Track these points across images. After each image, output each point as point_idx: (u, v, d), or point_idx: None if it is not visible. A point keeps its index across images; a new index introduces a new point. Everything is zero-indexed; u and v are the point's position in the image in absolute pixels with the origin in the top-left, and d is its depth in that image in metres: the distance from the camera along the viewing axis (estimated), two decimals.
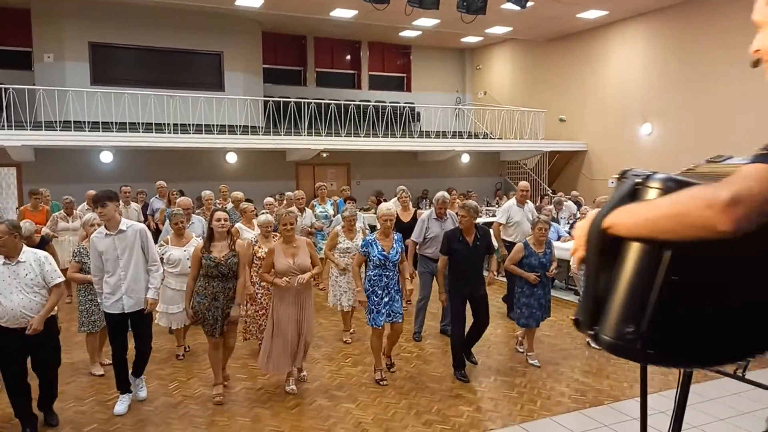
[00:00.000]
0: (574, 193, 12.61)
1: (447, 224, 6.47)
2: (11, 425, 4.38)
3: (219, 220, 4.75)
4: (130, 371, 4.77)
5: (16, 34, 14.01)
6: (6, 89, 11.56)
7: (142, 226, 4.75)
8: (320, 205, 8.70)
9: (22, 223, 5.23)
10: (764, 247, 1.08)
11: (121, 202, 6.26)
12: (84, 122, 12.13)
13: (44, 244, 6.01)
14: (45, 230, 7.39)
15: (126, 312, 4.53)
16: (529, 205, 7.60)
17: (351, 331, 6.62)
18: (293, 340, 4.87)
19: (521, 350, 6.01)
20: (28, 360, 4.25)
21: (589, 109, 15.48)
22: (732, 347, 1.18)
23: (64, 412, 4.60)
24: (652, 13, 13.70)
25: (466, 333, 5.52)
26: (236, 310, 4.78)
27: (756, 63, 1.18)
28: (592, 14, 14.02)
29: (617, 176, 1.28)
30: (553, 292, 8.42)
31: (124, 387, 4.71)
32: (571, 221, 10.05)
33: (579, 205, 11.18)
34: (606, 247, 1.19)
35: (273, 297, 5.03)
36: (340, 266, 6.27)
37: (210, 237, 4.79)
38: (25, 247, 4.17)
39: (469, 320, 5.52)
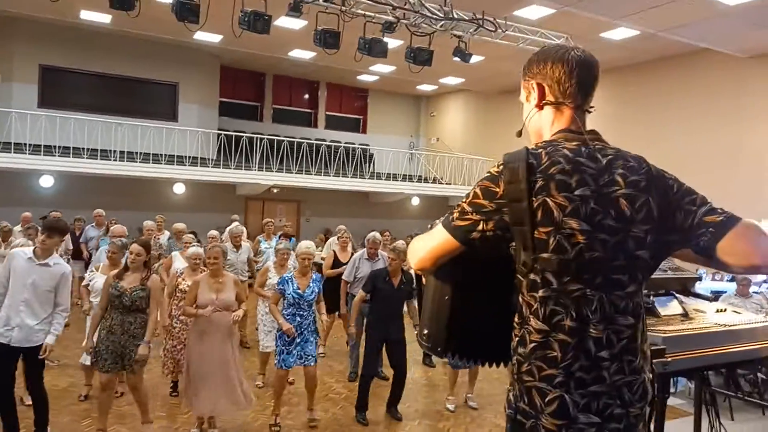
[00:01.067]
0: None
1: (378, 264, 6.52)
2: None
3: (132, 253, 4.58)
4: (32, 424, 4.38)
5: None
6: None
7: (68, 269, 4.50)
8: (266, 241, 8.67)
9: None
10: (491, 278, 1.56)
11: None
12: (25, 144, 11.82)
13: None
14: None
15: (13, 345, 4.17)
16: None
17: (264, 374, 6.36)
18: (213, 380, 4.65)
19: (449, 402, 5.88)
20: None
21: None
22: (495, 351, 1.60)
23: None
24: (604, 72, 14.49)
25: (390, 390, 5.49)
26: (144, 348, 4.42)
27: (519, 133, 1.74)
28: None
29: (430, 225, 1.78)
30: None
31: None
32: None
33: None
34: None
35: (190, 333, 4.89)
36: (266, 297, 6.17)
37: (126, 267, 4.65)
38: None
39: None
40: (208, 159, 14.22)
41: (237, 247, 7.64)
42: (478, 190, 1.47)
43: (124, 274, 4.59)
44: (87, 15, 11.86)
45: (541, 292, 1.39)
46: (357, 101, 19.40)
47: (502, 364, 1.64)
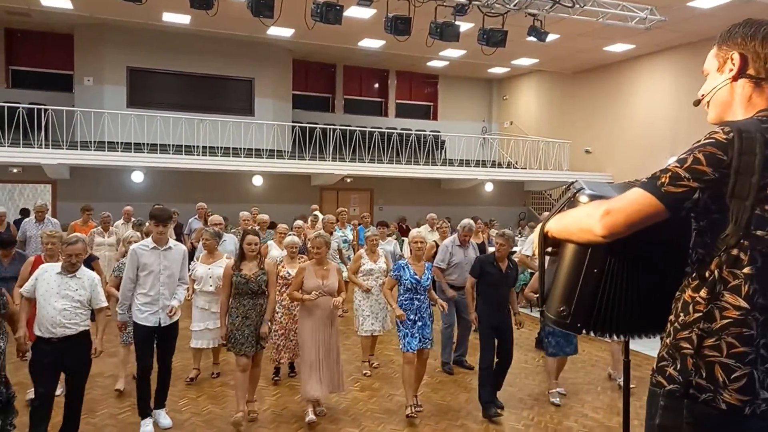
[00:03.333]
0: None
1: (469, 252, 6.49)
2: None
3: (250, 244, 4.90)
4: (152, 399, 4.77)
5: (59, 58, 14.72)
6: (45, 110, 12.12)
7: (184, 248, 4.96)
8: (340, 229, 8.83)
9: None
10: (649, 251, 1.48)
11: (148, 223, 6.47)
12: (117, 143, 12.60)
13: (90, 261, 5.91)
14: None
15: (160, 326, 4.65)
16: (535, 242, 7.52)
17: (375, 365, 6.52)
18: (320, 362, 4.91)
19: (555, 394, 5.72)
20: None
21: (616, 141, 15.39)
22: (639, 324, 1.57)
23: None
24: (680, 48, 13.65)
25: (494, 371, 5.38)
26: (265, 326, 4.88)
27: (697, 102, 1.59)
28: (619, 48, 14.04)
29: (566, 187, 1.66)
30: None
31: (145, 412, 4.70)
32: None
33: None
34: (548, 246, 1.61)
35: (300, 320, 5.12)
36: (364, 288, 6.30)
37: (241, 257, 4.94)
38: (82, 266, 4.27)
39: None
40: (284, 151, 14.61)
41: (330, 233, 7.81)
42: (700, 156, 1.36)
43: (241, 263, 4.89)
44: (168, 17, 12.42)
45: (747, 270, 1.36)
46: (427, 88, 19.26)
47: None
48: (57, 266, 4.17)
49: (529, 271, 7.33)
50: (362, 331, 6.38)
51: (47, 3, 11.54)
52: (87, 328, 4.23)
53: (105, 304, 4.33)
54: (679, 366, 1.41)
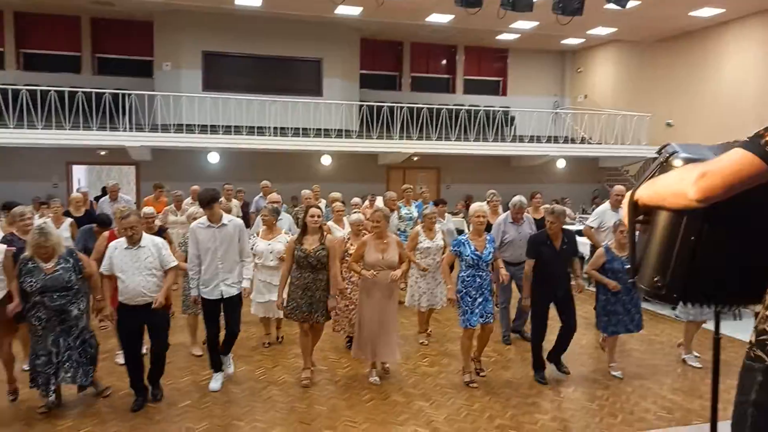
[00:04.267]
0: None
1: (523, 228, 6.39)
2: (124, 396, 4.88)
3: (313, 216, 5.06)
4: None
5: (140, 45, 15.43)
6: (129, 95, 12.78)
7: (241, 221, 5.15)
8: (405, 207, 8.83)
9: (144, 209, 5.97)
10: (749, 215, 1.38)
11: (223, 198, 6.76)
12: (195, 125, 13.12)
13: (161, 233, 6.46)
14: (158, 222, 8.09)
15: (223, 297, 4.91)
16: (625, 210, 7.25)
17: (428, 332, 6.71)
18: (375, 331, 5.08)
19: (614, 369, 5.64)
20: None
21: (700, 113, 14.43)
22: (736, 294, 1.48)
23: (162, 388, 5.02)
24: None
25: (555, 340, 5.41)
26: (332, 300, 5.09)
27: None
28: (706, 12, 13.08)
29: (658, 150, 1.60)
30: (648, 306, 8.02)
31: (216, 366, 5.12)
32: None
33: None
34: (638, 215, 1.53)
35: (360, 291, 5.25)
36: (421, 267, 6.34)
37: (303, 231, 5.09)
38: (144, 234, 4.62)
39: (555, 326, 5.39)
40: (352, 130, 14.72)
41: (392, 210, 7.89)
42: None
43: (303, 237, 5.06)
44: (241, 0, 12.71)
45: None
46: (496, 63, 18.75)
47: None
48: (123, 242, 4.47)
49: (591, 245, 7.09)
50: (419, 306, 6.51)
51: None
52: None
53: (174, 263, 4.65)
54: None
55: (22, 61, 14.93)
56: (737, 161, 1.25)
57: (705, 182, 1.26)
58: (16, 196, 9.30)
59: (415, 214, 8.95)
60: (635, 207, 1.50)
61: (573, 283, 5.39)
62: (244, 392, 5.06)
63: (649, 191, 1.45)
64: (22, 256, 4.32)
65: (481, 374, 5.42)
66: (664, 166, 1.48)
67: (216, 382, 5.09)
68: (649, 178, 1.50)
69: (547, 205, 9.01)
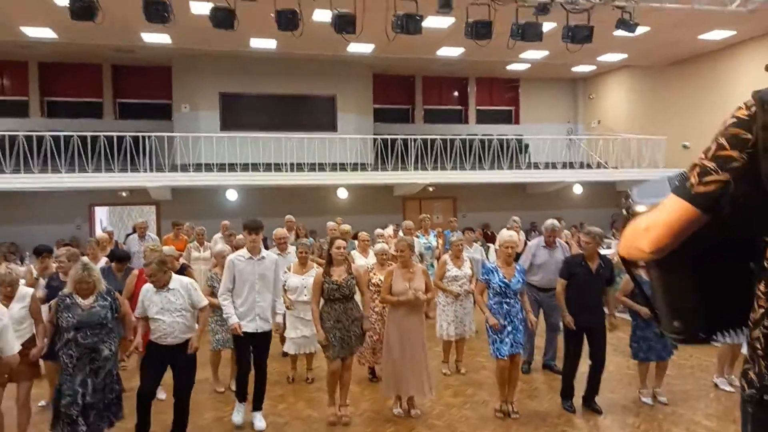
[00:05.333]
0: None
1: (556, 252, 6.32)
2: None
3: (339, 247, 5.05)
4: (249, 397, 5.06)
5: (159, 89, 15.87)
6: (149, 137, 13.11)
7: (276, 256, 5.21)
8: (423, 236, 8.84)
9: (164, 249, 6.01)
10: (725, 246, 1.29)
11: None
12: (213, 164, 13.37)
13: (183, 270, 6.47)
14: (182, 260, 8.14)
15: (257, 332, 4.90)
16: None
17: (463, 371, 6.49)
18: (404, 365, 5.01)
19: (644, 395, 5.53)
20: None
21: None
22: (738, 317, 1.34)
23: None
24: None
25: (586, 380, 5.27)
26: (368, 323, 5.08)
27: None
28: (717, 35, 13.13)
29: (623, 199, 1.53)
30: None
31: (242, 396, 5.07)
32: None
33: None
34: (633, 266, 1.55)
35: (387, 324, 5.21)
36: (452, 294, 6.29)
37: (329, 263, 5.09)
38: (173, 276, 4.67)
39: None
40: (367, 163, 14.87)
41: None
42: (723, 141, 1.19)
43: (330, 269, 5.03)
44: (256, 42, 13.07)
45: None
46: (508, 92, 18.94)
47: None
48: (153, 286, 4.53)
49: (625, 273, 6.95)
50: (445, 336, 6.40)
51: (149, 39, 12.52)
52: (192, 333, 4.59)
53: (205, 302, 4.68)
54: (752, 369, 1.25)
55: (46, 109, 15.44)
56: (672, 209, 1.20)
57: (651, 235, 1.23)
58: (40, 238, 9.51)
59: (434, 243, 8.96)
60: (626, 262, 1.45)
61: (607, 314, 5.26)
62: (267, 427, 5.01)
63: (621, 246, 1.40)
64: (61, 292, 4.40)
65: (514, 415, 5.13)
66: (629, 217, 1.42)
67: (238, 415, 5.03)
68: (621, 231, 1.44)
69: (567, 231, 9.02)
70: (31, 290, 4.62)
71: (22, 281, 4.83)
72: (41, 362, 4.66)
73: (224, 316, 5.12)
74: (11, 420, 4.52)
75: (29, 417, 4.57)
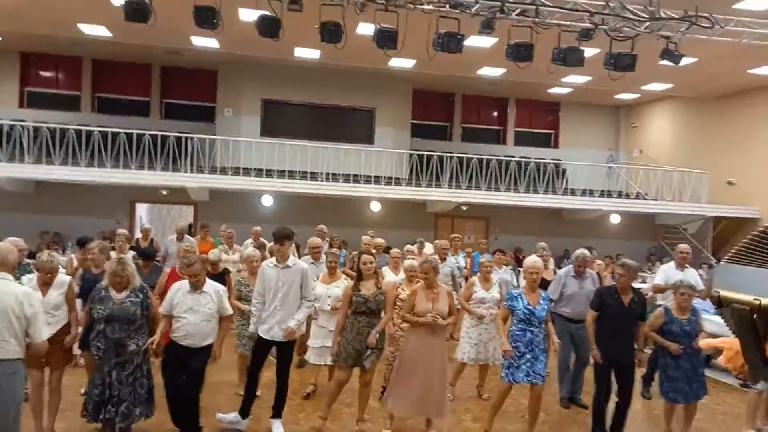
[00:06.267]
0: None
1: (586, 283, 6.21)
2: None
3: (365, 263, 5.09)
4: (271, 408, 5.08)
5: (204, 92, 16.31)
6: (191, 138, 13.45)
7: (305, 265, 5.20)
8: (453, 255, 8.77)
9: (211, 254, 6.18)
10: None
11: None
12: (251, 169, 13.61)
13: (224, 274, 6.36)
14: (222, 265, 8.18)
15: (274, 340, 4.92)
16: (691, 270, 6.98)
17: (485, 396, 6.36)
18: (416, 385, 4.90)
19: None
20: None
21: (764, 172, 13.91)
22: None
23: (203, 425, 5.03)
24: None
25: (612, 417, 5.11)
26: (373, 336, 4.94)
27: None
28: (766, 70, 12.78)
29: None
30: (710, 373, 7.59)
31: (245, 412, 5.06)
32: None
33: None
34: None
35: (406, 338, 5.17)
36: (476, 315, 6.22)
37: (359, 277, 5.11)
38: (207, 280, 4.76)
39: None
40: (401, 178, 14.91)
41: (442, 260, 7.79)
42: None
43: (359, 283, 5.07)
44: (300, 52, 13.33)
45: None
46: (548, 116, 18.77)
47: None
48: (186, 285, 4.62)
49: (659, 302, 6.75)
50: (464, 358, 6.28)
51: (198, 43, 12.90)
52: (212, 341, 4.66)
53: (230, 312, 4.77)
54: None
55: (96, 104, 16.01)
56: None
57: None
58: (83, 230, 9.81)
59: (462, 263, 8.89)
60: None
61: (636, 356, 5.14)
62: None
63: None
64: (98, 284, 4.55)
65: None
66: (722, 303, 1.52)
67: (228, 417, 5.06)
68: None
69: (599, 261, 8.82)
70: (68, 278, 4.76)
71: (62, 270, 4.99)
72: (79, 352, 4.77)
73: (252, 321, 5.17)
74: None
75: (59, 401, 4.70)
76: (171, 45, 13.46)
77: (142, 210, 15.68)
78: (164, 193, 14.17)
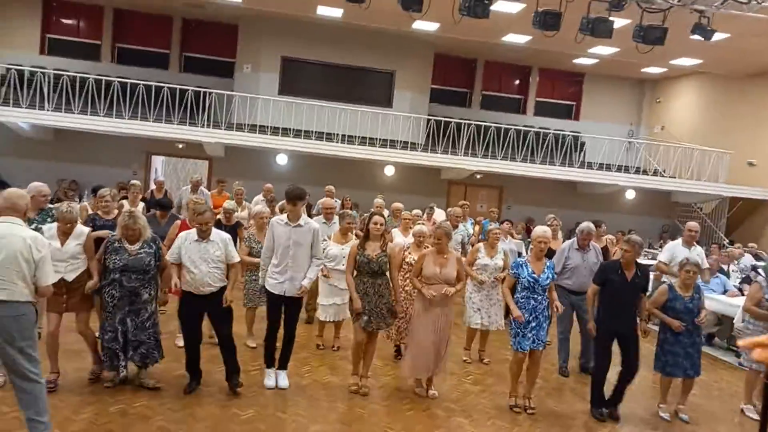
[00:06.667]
0: (752, 245, 11.20)
1: (589, 256, 6.26)
2: (179, 377, 5.13)
3: (376, 223, 5.16)
4: (277, 357, 5.23)
5: (224, 47, 16.18)
6: (210, 93, 13.44)
7: (316, 225, 5.25)
8: (463, 223, 8.82)
9: (227, 203, 6.37)
10: None
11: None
12: (267, 127, 13.62)
13: (236, 227, 6.57)
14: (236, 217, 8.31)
15: (285, 295, 5.02)
16: (698, 248, 7.00)
17: (486, 361, 6.53)
18: (428, 347, 5.10)
19: (662, 411, 5.45)
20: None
21: None
22: None
23: (214, 375, 5.22)
24: None
25: (615, 383, 5.22)
26: (399, 306, 5.23)
27: None
28: None
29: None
30: (710, 351, 7.67)
31: (270, 362, 5.23)
32: (743, 276, 9.00)
33: (759, 259, 9.94)
34: None
35: (415, 305, 5.29)
36: (477, 279, 6.31)
37: (366, 237, 5.20)
38: (213, 228, 4.87)
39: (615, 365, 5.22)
40: (417, 143, 14.83)
41: (454, 227, 7.82)
42: None
43: (366, 243, 5.16)
44: (323, 10, 13.12)
45: None
46: (571, 86, 18.42)
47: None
48: (194, 235, 4.72)
49: (664, 279, 6.78)
50: (470, 323, 6.45)
51: None
52: (225, 283, 4.79)
53: (237, 258, 4.90)
54: None
55: (116, 54, 15.99)
56: None
57: None
58: (99, 179, 9.98)
59: (470, 231, 8.94)
60: None
61: (639, 323, 5.22)
62: (290, 387, 5.18)
63: None
64: (111, 235, 4.67)
65: (530, 411, 5.14)
66: None
67: (270, 379, 5.16)
68: None
69: (610, 236, 8.80)
70: (87, 229, 4.86)
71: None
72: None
73: (260, 273, 5.24)
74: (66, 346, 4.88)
75: (94, 339, 4.86)
76: None
77: (157, 162, 15.83)
78: (180, 146, 14.27)
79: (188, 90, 13.31)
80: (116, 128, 12.78)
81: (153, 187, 9.88)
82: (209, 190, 10.32)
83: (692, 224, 7.06)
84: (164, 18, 16.00)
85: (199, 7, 14.64)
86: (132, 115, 12.88)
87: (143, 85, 13.00)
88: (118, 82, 12.96)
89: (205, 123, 13.30)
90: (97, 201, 6.07)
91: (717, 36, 9.75)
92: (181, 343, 5.48)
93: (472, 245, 7.85)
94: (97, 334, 4.85)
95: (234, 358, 4.94)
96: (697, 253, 6.81)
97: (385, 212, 9.47)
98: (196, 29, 16.33)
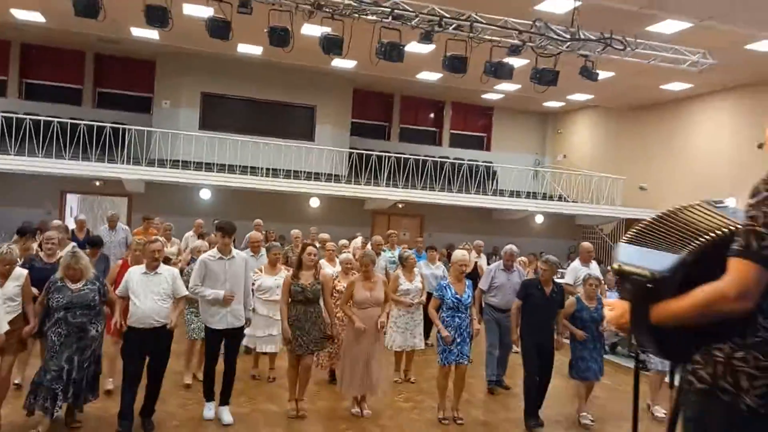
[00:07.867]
0: None
1: (513, 276, 6.86)
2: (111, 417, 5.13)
3: (310, 254, 5.50)
4: (217, 393, 5.30)
5: (141, 82, 16.04)
6: (128, 129, 13.27)
7: (246, 255, 5.50)
8: (389, 250, 9.31)
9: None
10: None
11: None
12: (190, 162, 13.60)
13: (165, 262, 6.75)
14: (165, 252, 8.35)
15: (227, 329, 5.14)
16: (593, 264, 7.83)
17: (408, 377, 6.95)
18: (362, 367, 5.45)
19: (585, 418, 5.97)
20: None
21: (673, 179, 15.30)
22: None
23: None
24: (740, 88, 13.61)
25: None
26: (334, 329, 5.57)
27: (761, 145, 1.75)
28: (676, 86, 14.12)
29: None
30: (613, 358, 8.48)
31: (210, 395, 5.30)
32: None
33: None
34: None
35: (347, 332, 5.64)
36: (406, 304, 6.75)
37: (299, 266, 5.50)
38: (161, 263, 5.00)
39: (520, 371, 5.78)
40: (341, 175, 15.31)
41: (377, 254, 8.25)
42: None
43: (299, 272, 5.46)
44: (243, 48, 13.44)
45: None
46: (481, 119, 19.71)
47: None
48: (142, 268, 4.87)
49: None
50: (394, 347, 6.85)
51: (137, 34, 12.75)
52: (168, 321, 4.88)
53: (185, 292, 5.04)
54: (705, 369, 1.64)
55: (24, 90, 15.40)
56: (753, 274, 1.46)
57: (744, 297, 1.48)
58: (11, 221, 9.61)
59: (395, 257, 9.43)
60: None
61: (556, 337, 5.81)
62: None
63: (667, 316, 1.64)
64: (53, 276, 4.68)
65: (458, 422, 5.56)
66: (623, 275, 1.80)
67: (209, 411, 5.25)
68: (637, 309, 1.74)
69: (523, 258, 9.60)
70: (25, 271, 4.82)
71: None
72: (34, 341, 4.86)
73: (208, 298, 5.15)
74: None
75: (8, 389, 4.79)
76: (109, 34, 13.20)
77: (72, 201, 15.27)
78: (98, 183, 13.90)
79: (106, 126, 13.08)
80: (29, 167, 12.31)
81: (73, 226, 9.63)
82: (133, 228, 10.19)
83: (586, 245, 7.93)
84: (76, 53, 15.66)
85: (113, 43, 14.49)
86: (46, 153, 12.47)
87: (57, 121, 12.65)
88: (30, 119, 12.54)
89: (125, 159, 13.09)
90: (42, 242, 5.94)
91: (603, 75, 11.05)
92: (109, 386, 5.51)
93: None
94: (17, 381, 4.77)
95: (155, 399, 4.99)
96: (593, 268, 7.64)
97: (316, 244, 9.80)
98: (110, 64, 16.09)
